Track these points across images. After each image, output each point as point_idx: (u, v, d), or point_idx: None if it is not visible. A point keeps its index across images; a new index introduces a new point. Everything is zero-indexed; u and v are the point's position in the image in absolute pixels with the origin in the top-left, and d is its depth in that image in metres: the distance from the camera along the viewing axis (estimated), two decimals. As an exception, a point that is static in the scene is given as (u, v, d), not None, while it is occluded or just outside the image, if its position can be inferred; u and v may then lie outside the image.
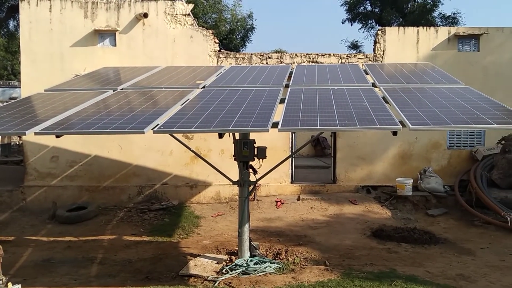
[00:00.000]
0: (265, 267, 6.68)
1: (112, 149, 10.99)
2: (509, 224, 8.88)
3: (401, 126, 5.10)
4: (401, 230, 8.80)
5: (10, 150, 16.21)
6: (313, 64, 11.28)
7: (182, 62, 10.97)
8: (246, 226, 7.02)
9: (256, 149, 7.01)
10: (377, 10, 26.91)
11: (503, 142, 10.53)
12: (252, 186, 7.25)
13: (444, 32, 11.47)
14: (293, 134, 11.88)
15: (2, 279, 4.92)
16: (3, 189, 10.79)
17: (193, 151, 8.35)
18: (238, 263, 6.75)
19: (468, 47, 11.51)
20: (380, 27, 11.89)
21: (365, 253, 7.66)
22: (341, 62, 11.46)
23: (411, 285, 6.01)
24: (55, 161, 10.93)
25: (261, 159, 7.09)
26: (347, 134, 11.22)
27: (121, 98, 6.99)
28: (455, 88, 6.98)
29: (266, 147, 7.15)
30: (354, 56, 11.82)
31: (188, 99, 6.72)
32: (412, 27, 11.65)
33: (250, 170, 7.14)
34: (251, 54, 11.59)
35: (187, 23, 11.26)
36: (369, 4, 27.16)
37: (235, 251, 7.38)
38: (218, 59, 11.29)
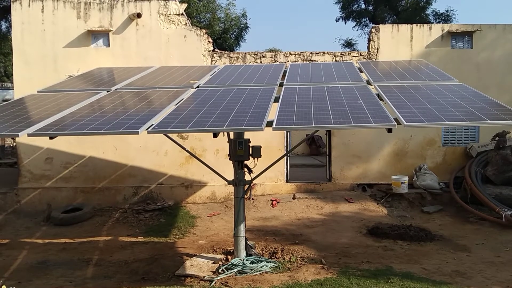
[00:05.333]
0: (261, 266, 6.67)
1: (107, 150, 10.94)
2: (503, 220, 8.93)
3: (395, 123, 5.10)
4: (397, 227, 8.83)
5: (3, 152, 16.13)
6: (307, 62, 11.28)
7: (176, 62, 10.94)
8: (242, 225, 7.01)
9: (251, 148, 7.00)
10: (370, 8, 26.97)
11: (497, 138, 10.56)
12: (247, 186, 7.24)
13: (437, 30, 11.51)
14: (288, 133, 11.89)
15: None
16: (-3, 191, 10.72)
17: (188, 151, 8.33)
18: (234, 263, 6.74)
19: (461, 44, 11.55)
20: (374, 25, 11.89)
21: (361, 251, 7.68)
22: (335, 60, 11.47)
23: (407, 282, 6.02)
24: (49, 163, 10.88)
25: (256, 158, 7.08)
26: (342, 132, 11.23)
27: (115, 99, 6.96)
28: (449, 85, 7.00)
29: (261, 146, 7.15)
30: (348, 54, 11.82)
31: (182, 99, 6.70)
32: (406, 24, 11.68)
33: (245, 169, 7.13)
34: (245, 53, 11.58)
35: (180, 23, 11.23)
36: (362, 2, 27.24)
37: (231, 250, 7.37)
38: (212, 58, 11.27)
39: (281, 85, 7.45)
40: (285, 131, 11.15)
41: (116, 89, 7.61)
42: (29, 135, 5.36)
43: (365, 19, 27.24)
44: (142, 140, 10.69)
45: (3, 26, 22.32)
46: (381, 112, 5.55)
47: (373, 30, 11.58)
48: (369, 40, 11.62)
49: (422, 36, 11.45)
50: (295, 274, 6.43)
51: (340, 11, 27.57)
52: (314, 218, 9.72)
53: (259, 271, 6.57)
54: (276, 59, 11.55)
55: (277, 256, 7.28)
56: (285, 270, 6.74)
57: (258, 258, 6.99)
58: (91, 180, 10.92)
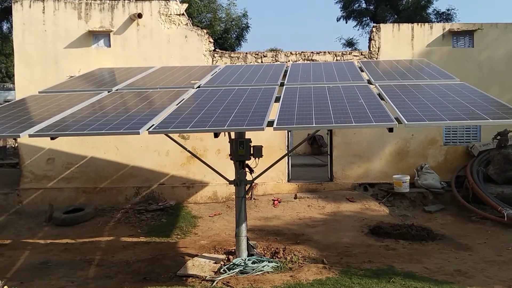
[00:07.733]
0: (263, 266, 6.67)
1: (108, 150, 10.95)
2: (505, 219, 8.91)
3: (396, 122, 5.10)
4: (399, 227, 8.82)
5: (5, 153, 16.14)
6: (308, 62, 11.27)
7: (177, 62, 10.94)
8: (243, 225, 7.01)
9: (252, 148, 7.00)
10: (371, 7, 26.97)
11: (498, 137, 10.55)
12: (248, 185, 7.24)
13: (438, 29, 11.49)
14: (289, 133, 11.88)
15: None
16: (-1, 192, 10.74)
17: (189, 151, 8.33)
18: (236, 263, 6.74)
19: (462, 43, 11.53)
20: (375, 24, 11.88)
21: (363, 251, 7.67)
22: (336, 60, 11.46)
23: (409, 281, 6.02)
24: (51, 163, 10.89)
25: (257, 158, 7.08)
26: (343, 131, 11.22)
27: (116, 99, 6.96)
28: (450, 84, 6.99)
29: (262, 146, 7.14)
30: (349, 54, 11.81)
31: (183, 99, 6.70)
32: (407, 23, 11.67)
33: (247, 169, 7.13)
34: (246, 53, 11.57)
35: (181, 23, 11.23)
36: (363, 1, 27.24)
37: (233, 250, 7.36)
38: (213, 58, 11.27)
39: (282, 84, 7.46)
40: (286, 131, 11.14)
41: (117, 90, 7.62)
42: (30, 135, 5.37)
43: (366, 19, 27.25)
44: (144, 140, 10.69)
45: (5, 27, 22.42)
46: (382, 111, 5.54)
47: (374, 29, 11.56)
48: (370, 39, 11.61)
49: (423, 35, 11.44)
50: (296, 274, 6.43)
51: (341, 11, 27.63)
52: (316, 217, 9.71)
53: (261, 271, 6.57)
54: (277, 58, 11.55)
55: (278, 256, 7.28)
56: (286, 270, 6.74)
57: (259, 258, 6.99)
58: (93, 180, 10.93)
